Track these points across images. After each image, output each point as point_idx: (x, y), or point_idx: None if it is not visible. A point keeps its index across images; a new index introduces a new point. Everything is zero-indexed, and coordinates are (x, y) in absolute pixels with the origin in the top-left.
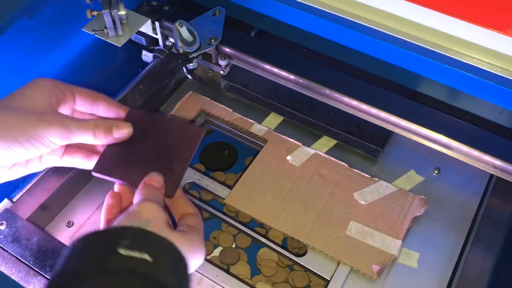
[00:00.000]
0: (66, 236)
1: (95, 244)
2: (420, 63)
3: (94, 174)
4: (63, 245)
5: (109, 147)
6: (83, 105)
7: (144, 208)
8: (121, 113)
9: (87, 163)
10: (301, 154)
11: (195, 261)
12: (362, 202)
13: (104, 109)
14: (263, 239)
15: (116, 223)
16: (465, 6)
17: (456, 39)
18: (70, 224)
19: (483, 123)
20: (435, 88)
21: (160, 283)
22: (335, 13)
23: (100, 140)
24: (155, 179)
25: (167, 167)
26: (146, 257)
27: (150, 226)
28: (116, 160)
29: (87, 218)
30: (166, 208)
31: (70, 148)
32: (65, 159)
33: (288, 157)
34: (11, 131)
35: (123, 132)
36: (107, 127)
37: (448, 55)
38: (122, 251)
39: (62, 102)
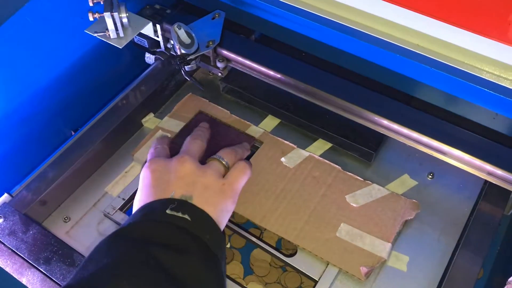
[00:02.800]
0: (62, 231)
1: (149, 207)
2: (416, 68)
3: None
4: (58, 239)
5: (174, 139)
6: None
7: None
8: None
9: None
10: (295, 156)
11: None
12: (354, 205)
13: None
14: (257, 240)
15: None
16: (460, 13)
17: (450, 46)
18: (67, 220)
19: (478, 128)
20: (431, 93)
21: (194, 235)
22: (334, 20)
23: None
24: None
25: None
26: (186, 216)
27: (193, 199)
28: (178, 151)
29: (83, 214)
30: None
31: None
32: None
33: (283, 159)
34: None
35: None
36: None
37: (442, 61)
38: (168, 211)
39: None
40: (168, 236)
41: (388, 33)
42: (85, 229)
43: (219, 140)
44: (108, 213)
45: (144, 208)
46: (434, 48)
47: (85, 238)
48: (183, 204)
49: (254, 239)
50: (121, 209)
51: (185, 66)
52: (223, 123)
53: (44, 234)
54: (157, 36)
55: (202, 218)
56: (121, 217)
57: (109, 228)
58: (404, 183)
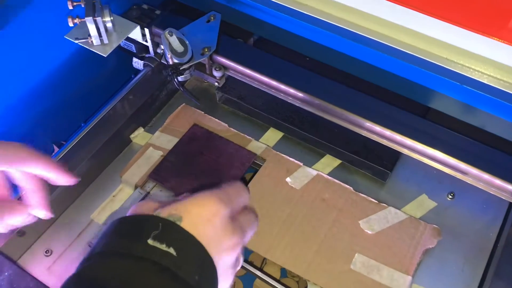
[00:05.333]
0: (43, 266)
1: (128, 227)
2: (433, 78)
3: (150, 179)
4: (37, 281)
5: (167, 157)
6: None
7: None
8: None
9: None
10: (302, 175)
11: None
12: (369, 232)
13: None
14: (258, 272)
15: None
16: (481, 21)
17: (470, 54)
18: (48, 253)
19: (502, 144)
20: (449, 103)
21: (179, 279)
22: (341, 25)
23: None
24: None
25: (217, 184)
26: (171, 250)
27: (183, 221)
28: (172, 170)
29: (67, 247)
30: None
31: None
32: None
33: (288, 179)
34: None
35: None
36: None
37: (461, 72)
38: (150, 241)
39: None
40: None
41: (408, 43)
42: (69, 264)
43: (217, 156)
44: None
45: (126, 223)
46: (454, 57)
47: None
48: (168, 229)
49: (255, 271)
50: None
51: (178, 77)
52: (220, 137)
53: (21, 276)
54: (146, 41)
55: (192, 249)
56: None
57: None
58: (422, 204)
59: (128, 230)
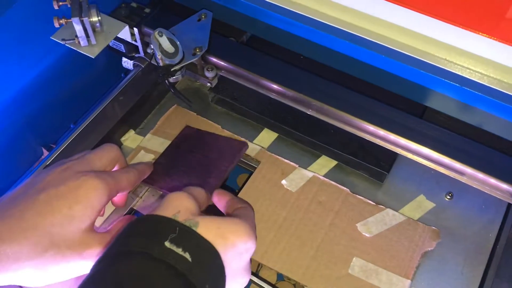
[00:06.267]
0: None
1: (146, 227)
2: (429, 76)
3: (142, 183)
4: None
5: (158, 159)
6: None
7: (172, 198)
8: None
9: None
10: (297, 177)
11: (236, 247)
12: (366, 235)
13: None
14: (253, 278)
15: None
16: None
17: (469, 54)
18: None
19: (501, 143)
20: (446, 102)
21: (191, 283)
22: (336, 25)
23: None
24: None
25: (204, 179)
26: (187, 256)
27: (199, 226)
28: (161, 171)
29: None
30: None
31: None
32: None
33: (283, 181)
34: (39, 272)
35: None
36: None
37: (458, 73)
38: (167, 244)
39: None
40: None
41: (405, 43)
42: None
43: (207, 151)
44: None
45: (147, 222)
46: (450, 56)
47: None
48: (185, 234)
49: (251, 277)
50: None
51: (169, 78)
52: (210, 133)
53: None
54: (135, 41)
55: (206, 256)
56: None
57: None
58: (420, 205)
59: (145, 230)
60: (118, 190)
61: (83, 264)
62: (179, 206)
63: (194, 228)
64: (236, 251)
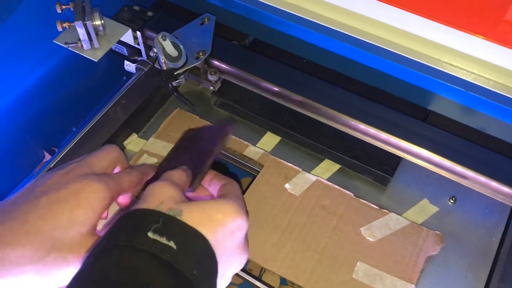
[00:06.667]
0: None
1: (129, 222)
2: (434, 81)
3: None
4: None
5: (161, 164)
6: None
7: (153, 190)
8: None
9: None
10: (301, 181)
11: (225, 228)
12: (370, 239)
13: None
14: (256, 282)
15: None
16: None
17: (472, 58)
18: None
19: (503, 147)
20: (450, 106)
21: (178, 274)
22: (340, 29)
23: None
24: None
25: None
26: (172, 244)
27: (182, 215)
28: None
29: None
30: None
31: None
32: None
33: (287, 185)
34: (42, 277)
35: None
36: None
37: (463, 77)
38: (150, 234)
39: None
40: (144, 278)
41: (409, 47)
42: None
43: (198, 142)
44: None
45: (131, 216)
46: (455, 61)
47: None
48: (169, 223)
49: (254, 281)
50: None
51: (172, 82)
52: (204, 126)
53: None
54: (138, 44)
55: (192, 242)
56: None
57: None
58: (424, 209)
59: (129, 224)
60: (120, 192)
61: None
62: (162, 196)
63: (178, 217)
64: (226, 231)
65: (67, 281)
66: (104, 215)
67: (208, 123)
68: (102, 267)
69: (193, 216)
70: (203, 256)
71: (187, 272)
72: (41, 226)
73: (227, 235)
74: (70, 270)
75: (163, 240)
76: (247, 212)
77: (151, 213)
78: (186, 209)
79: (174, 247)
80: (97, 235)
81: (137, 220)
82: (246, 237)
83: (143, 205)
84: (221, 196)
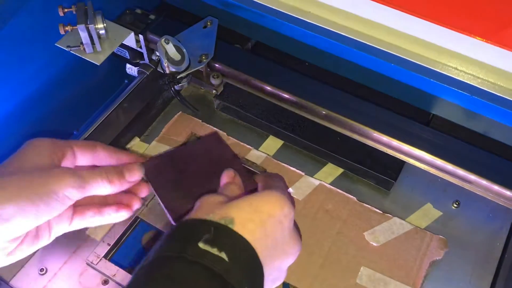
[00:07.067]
0: (38, 286)
1: (180, 232)
2: (439, 85)
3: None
4: None
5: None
6: (84, 158)
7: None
8: (123, 158)
9: (101, 218)
10: (304, 185)
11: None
12: (374, 244)
13: (105, 158)
14: None
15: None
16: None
17: (477, 63)
18: (43, 272)
19: (507, 151)
20: (453, 110)
21: (229, 284)
22: (344, 33)
23: (115, 187)
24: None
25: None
26: (223, 255)
27: (234, 222)
28: (171, 187)
29: (62, 264)
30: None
31: (79, 208)
32: (76, 222)
33: (290, 190)
34: (20, 192)
35: (136, 174)
36: (119, 171)
37: (468, 82)
38: (201, 244)
39: (63, 159)
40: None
41: (414, 52)
42: (66, 283)
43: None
44: (92, 262)
45: (182, 227)
46: (455, 64)
47: None
48: (220, 233)
49: None
50: (106, 256)
51: (175, 85)
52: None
53: None
54: (140, 47)
55: (244, 255)
56: (107, 267)
57: (93, 279)
58: (427, 214)
59: (181, 234)
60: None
61: (59, 184)
62: (211, 203)
63: (230, 226)
64: (275, 221)
65: (53, 206)
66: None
67: (210, 126)
68: (153, 279)
69: (243, 215)
70: (253, 269)
71: (239, 286)
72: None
73: (276, 225)
74: (51, 184)
75: (215, 251)
76: (292, 201)
77: (203, 222)
78: (235, 208)
79: (226, 258)
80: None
81: (189, 230)
82: (294, 226)
83: (196, 214)
84: (265, 188)
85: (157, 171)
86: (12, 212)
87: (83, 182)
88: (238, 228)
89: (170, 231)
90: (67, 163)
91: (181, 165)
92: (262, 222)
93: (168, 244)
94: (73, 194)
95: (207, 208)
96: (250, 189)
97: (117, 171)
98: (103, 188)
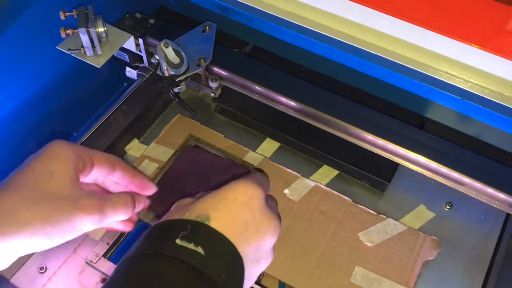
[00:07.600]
0: (38, 284)
1: (158, 231)
2: (432, 89)
3: None
4: None
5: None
6: (99, 174)
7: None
8: (135, 181)
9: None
10: (300, 187)
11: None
12: (368, 244)
13: (119, 177)
14: (255, 286)
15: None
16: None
17: (469, 67)
18: (43, 270)
19: (499, 154)
20: (445, 114)
21: (206, 279)
22: (340, 39)
23: (128, 216)
24: None
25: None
26: (199, 249)
27: (210, 218)
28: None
29: (63, 262)
30: None
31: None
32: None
33: (286, 191)
34: (44, 225)
35: (142, 205)
36: (133, 202)
37: (459, 86)
38: (178, 241)
39: (82, 172)
40: (172, 284)
41: (408, 57)
42: (65, 281)
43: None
44: (91, 261)
45: (156, 228)
46: (447, 68)
47: None
48: (197, 229)
49: (253, 284)
50: (105, 255)
51: (174, 88)
52: (213, 154)
53: None
54: (140, 51)
55: (220, 247)
56: (106, 266)
57: (93, 278)
58: (421, 215)
59: (158, 233)
60: (87, 161)
61: (81, 220)
62: (189, 206)
63: (206, 222)
64: (240, 203)
65: (67, 231)
66: (86, 179)
67: (209, 129)
68: (131, 275)
69: (207, 206)
70: (231, 261)
71: (216, 276)
72: (21, 181)
73: (243, 207)
74: (72, 219)
75: (191, 246)
76: (255, 182)
77: (179, 221)
78: (201, 203)
79: (202, 252)
80: (83, 189)
81: (166, 229)
82: (268, 206)
83: (171, 217)
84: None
85: (161, 200)
86: (24, 242)
87: (104, 217)
88: (213, 219)
89: (148, 231)
90: (84, 175)
91: (178, 185)
92: (227, 208)
93: (145, 243)
94: (90, 227)
95: (180, 209)
96: None
97: (132, 202)
98: (118, 218)
